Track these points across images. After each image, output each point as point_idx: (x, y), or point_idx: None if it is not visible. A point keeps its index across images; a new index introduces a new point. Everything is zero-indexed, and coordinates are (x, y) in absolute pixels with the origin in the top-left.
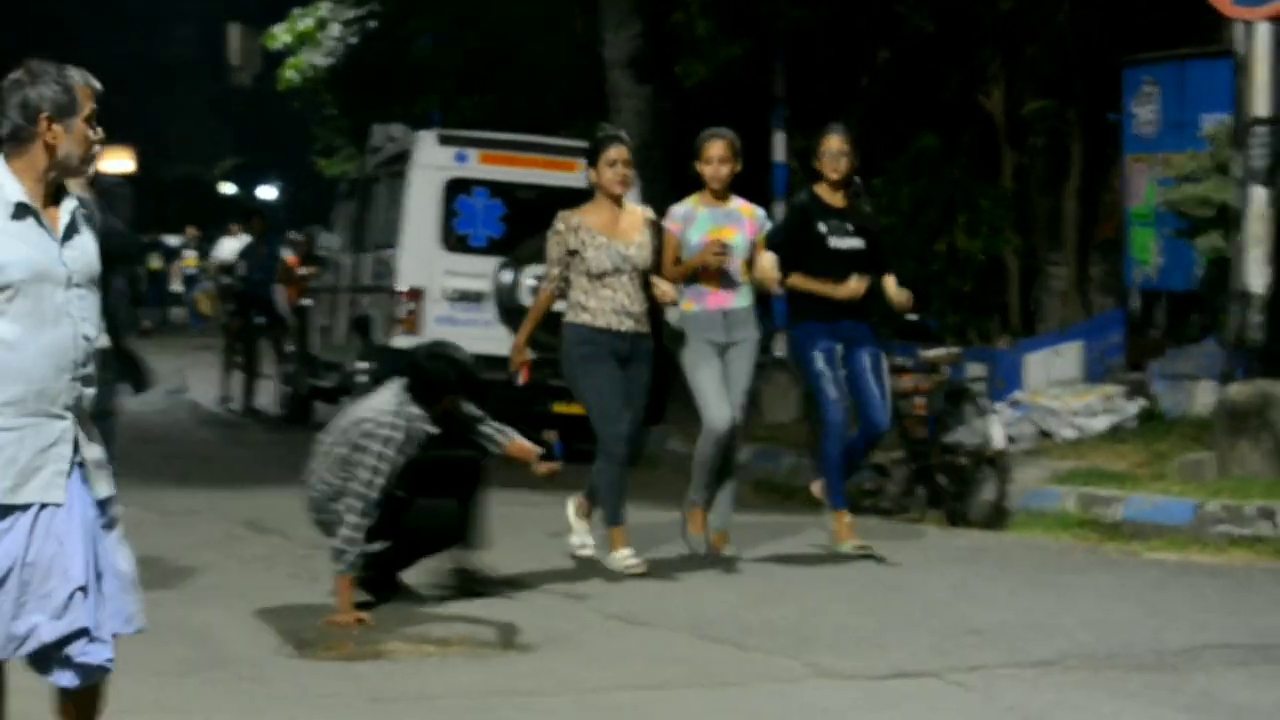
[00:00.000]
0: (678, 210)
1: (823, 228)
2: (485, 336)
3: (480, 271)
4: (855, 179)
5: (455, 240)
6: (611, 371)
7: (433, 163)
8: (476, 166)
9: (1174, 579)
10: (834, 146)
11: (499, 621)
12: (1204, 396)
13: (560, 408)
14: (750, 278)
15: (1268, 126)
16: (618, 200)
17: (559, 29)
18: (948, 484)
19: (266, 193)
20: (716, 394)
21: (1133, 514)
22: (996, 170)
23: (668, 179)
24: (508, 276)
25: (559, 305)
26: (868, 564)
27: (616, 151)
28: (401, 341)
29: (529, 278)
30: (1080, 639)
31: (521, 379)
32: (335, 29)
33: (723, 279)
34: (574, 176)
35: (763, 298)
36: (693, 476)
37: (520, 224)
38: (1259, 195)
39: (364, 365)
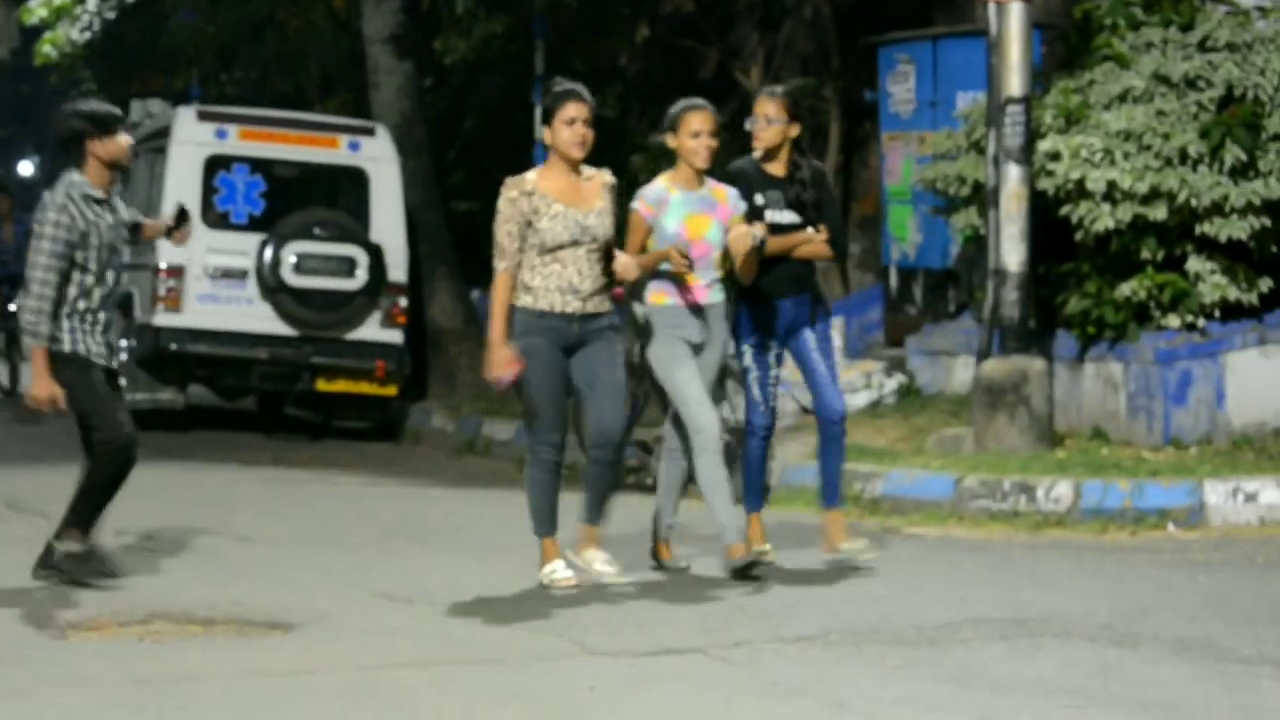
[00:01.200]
0: (649, 192)
1: (760, 199)
2: (248, 314)
3: (242, 249)
4: (798, 146)
5: (216, 217)
6: (550, 363)
7: (192, 139)
8: (236, 143)
9: (934, 554)
10: (761, 111)
11: (265, 600)
12: (961, 372)
13: (324, 386)
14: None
15: (1020, 105)
16: (575, 165)
17: (318, 4)
18: None
19: (25, 168)
20: (701, 397)
21: (892, 490)
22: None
23: (430, 155)
24: (270, 254)
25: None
26: (630, 541)
27: (575, 108)
28: (161, 318)
29: (291, 254)
30: (842, 614)
31: (509, 380)
32: (92, 3)
33: (701, 270)
34: (335, 153)
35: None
36: (663, 499)
37: (281, 200)
38: (1013, 173)
39: (126, 343)
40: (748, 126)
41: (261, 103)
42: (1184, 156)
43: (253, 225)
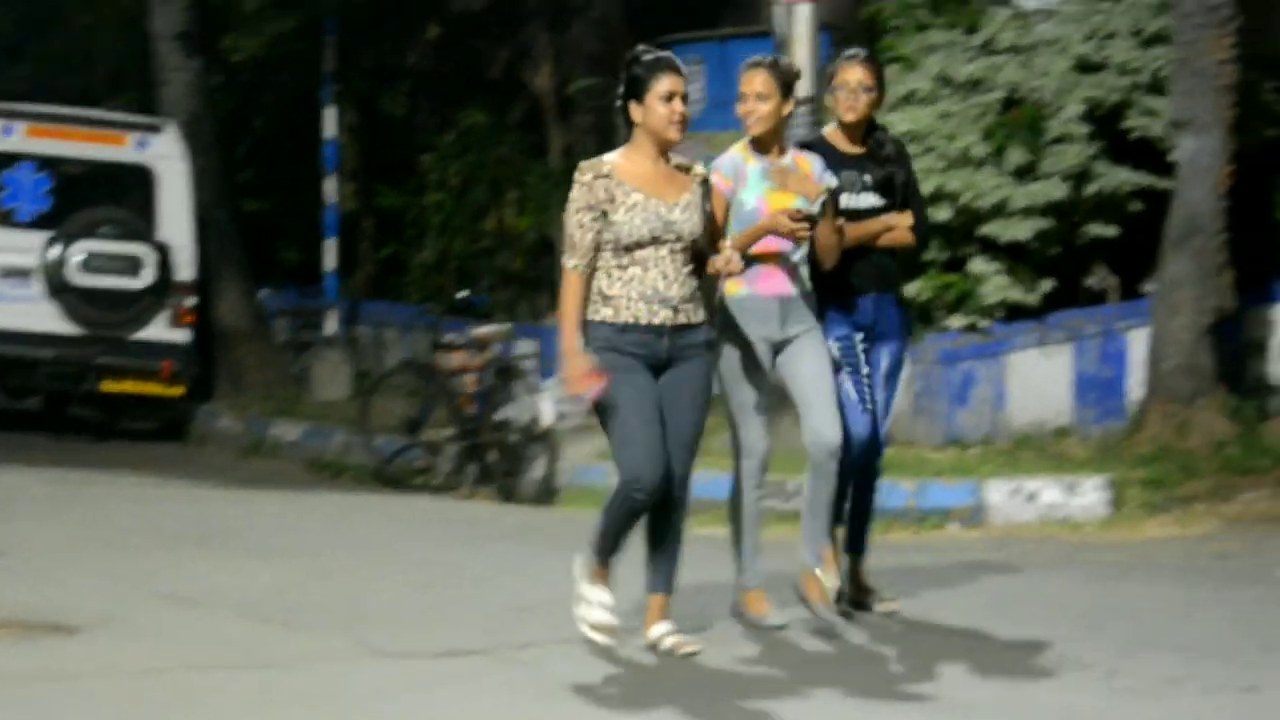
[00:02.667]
0: (723, 163)
1: (835, 180)
2: (33, 313)
3: (28, 247)
4: (877, 121)
5: (1, 215)
6: (641, 385)
7: None
8: (22, 140)
9: (721, 552)
10: (853, 78)
11: (48, 603)
12: None
13: (110, 386)
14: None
15: (808, 105)
16: (665, 150)
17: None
18: (498, 461)
19: None
20: (833, 402)
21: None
22: (544, 147)
23: (218, 154)
24: (56, 252)
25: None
26: (418, 541)
27: (673, 81)
28: None
29: (78, 253)
30: (627, 613)
31: (591, 396)
32: None
33: (780, 256)
34: (123, 150)
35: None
36: (803, 521)
37: (68, 198)
38: None
39: None
40: (829, 100)
41: (48, 100)
42: (968, 158)
43: (39, 223)
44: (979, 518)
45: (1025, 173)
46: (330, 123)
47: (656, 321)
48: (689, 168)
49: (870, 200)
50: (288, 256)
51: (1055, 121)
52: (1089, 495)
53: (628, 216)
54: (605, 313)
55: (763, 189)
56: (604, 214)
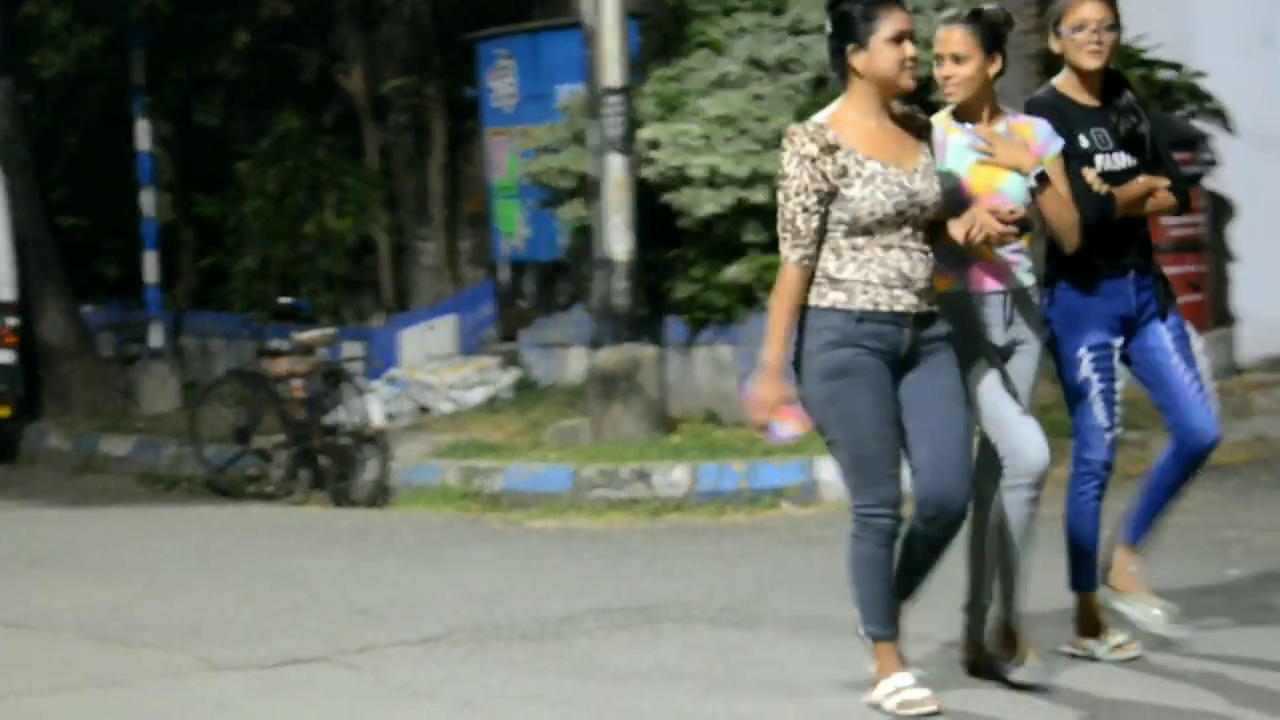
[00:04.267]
0: None
1: (1085, 142)
2: None
3: None
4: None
5: None
6: (879, 388)
7: None
8: None
9: (556, 546)
10: (1095, 15)
11: None
12: (575, 364)
13: None
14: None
15: (620, 95)
16: (889, 103)
17: None
18: (330, 465)
19: None
20: (1011, 415)
21: (512, 484)
22: (361, 149)
23: (33, 172)
24: None
25: None
26: (253, 550)
27: (900, 20)
28: None
29: None
30: (465, 612)
31: (795, 430)
32: None
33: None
34: None
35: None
36: (1002, 562)
37: None
38: (616, 163)
39: None
40: (1057, 45)
41: None
42: (782, 139)
43: None
44: (810, 496)
45: None
46: (143, 135)
47: (899, 308)
48: (914, 117)
49: (1124, 160)
50: (109, 271)
51: None
52: None
53: (867, 191)
54: (836, 298)
55: (966, 162)
56: (834, 193)
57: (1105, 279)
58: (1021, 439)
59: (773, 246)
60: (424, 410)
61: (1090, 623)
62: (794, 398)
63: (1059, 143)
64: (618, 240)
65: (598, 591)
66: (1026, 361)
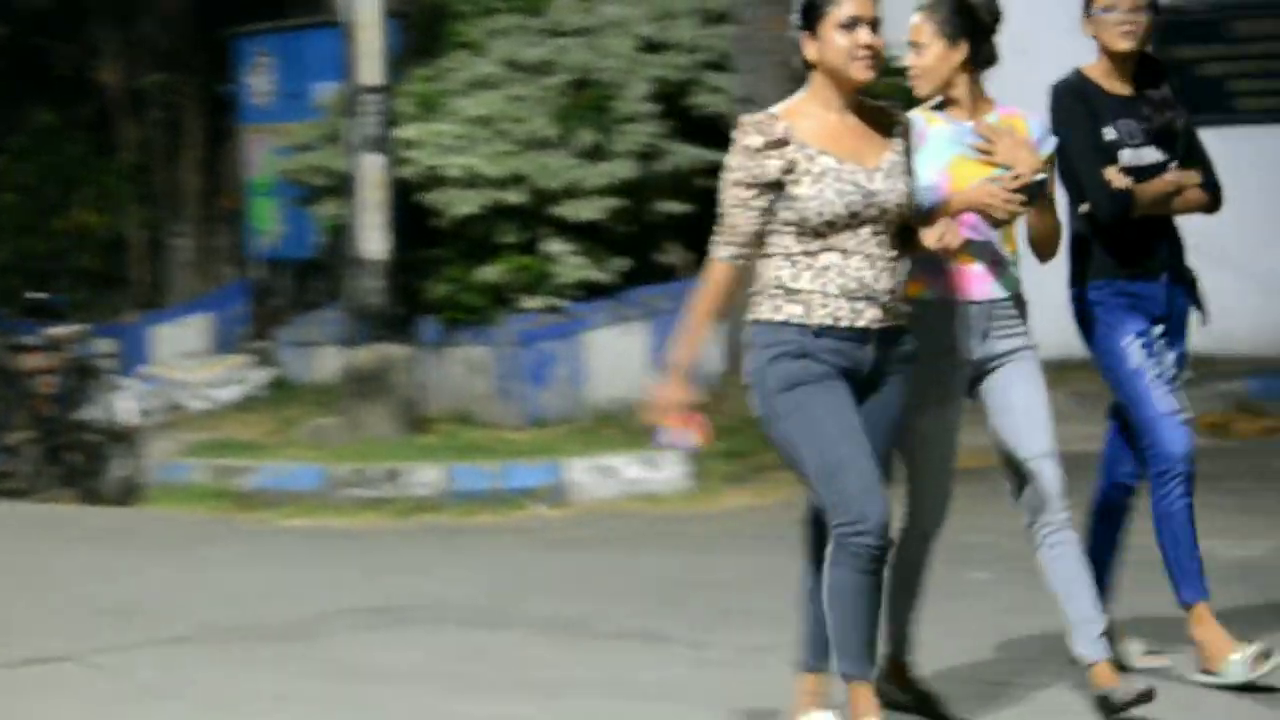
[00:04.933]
0: None
1: (1111, 133)
2: None
3: None
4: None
5: None
6: (840, 394)
7: None
8: None
9: (307, 545)
10: None
11: None
12: (330, 362)
13: None
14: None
15: (378, 93)
16: (852, 94)
17: None
18: (80, 462)
19: None
20: (1030, 423)
21: (265, 482)
22: (116, 144)
23: None
24: None
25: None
26: None
27: (856, 4)
28: None
29: None
30: (214, 612)
31: (692, 440)
32: None
33: (978, 246)
34: None
35: None
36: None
37: None
38: (372, 162)
39: None
40: (1088, 28)
41: None
42: (539, 140)
43: None
44: (562, 496)
45: (595, 153)
46: None
47: (861, 324)
48: (887, 112)
49: (1152, 155)
50: None
51: (623, 102)
52: (669, 469)
53: (815, 189)
54: (792, 311)
55: (946, 157)
56: (779, 187)
57: (1136, 281)
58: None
59: (528, 247)
60: (177, 408)
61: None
62: (698, 404)
63: (1053, 141)
64: (373, 239)
65: (348, 591)
66: (1022, 370)
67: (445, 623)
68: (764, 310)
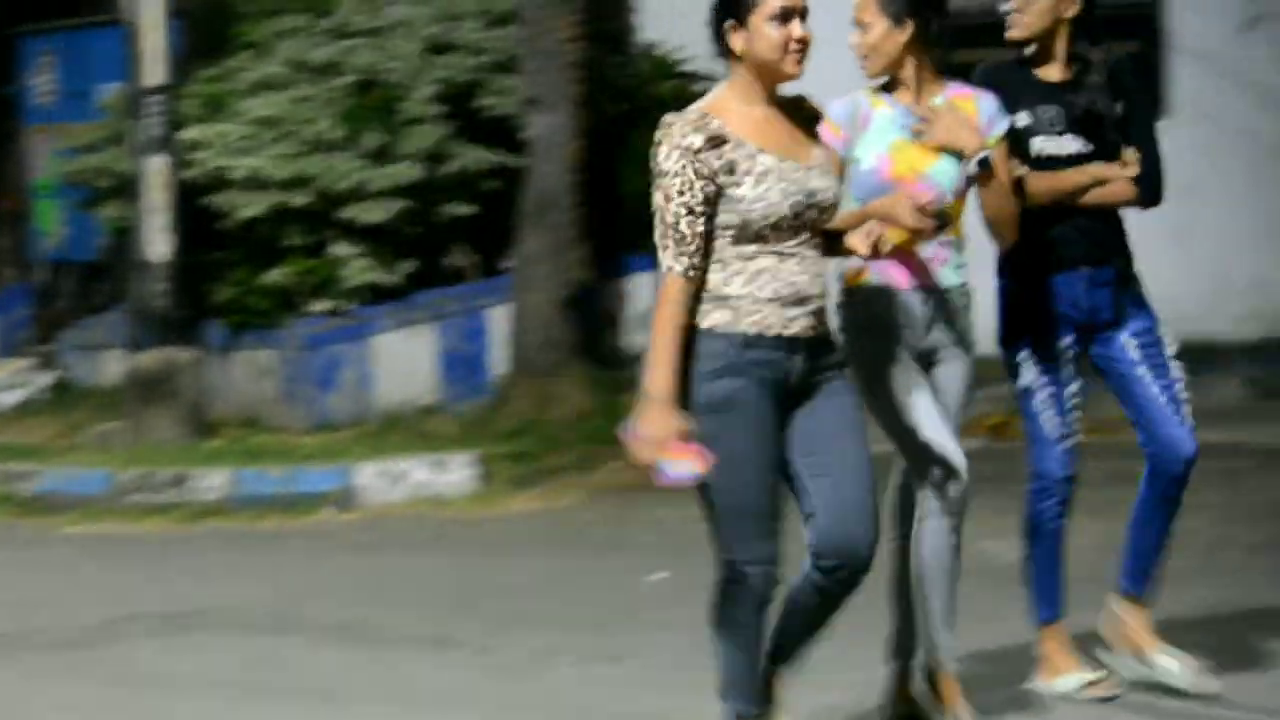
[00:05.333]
0: (839, 109)
1: (1025, 119)
2: None
3: None
4: (1085, 32)
5: None
6: (762, 425)
7: None
8: None
9: (91, 551)
10: None
11: None
12: (115, 366)
13: None
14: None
15: (161, 94)
16: (772, 89)
17: None
18: None
19: None
20: (938, 427)
21: (48, 487)
22: None
23: None
24: None
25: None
26: None
27: None
28: None
29: None
30: None
31: (692, 469)
32: None
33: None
34: None
35: None
36: (924, 603)
37: None
38: (156, 164)
39: None
40: (1002, 8)
41: None
42: (324, 142)
43: None
44: (350, 500)
45: (382, 155)
46: None
47: (790, 332)
48: (801, 104)
49: (1069, 145)
50: None
51: (409, 103)
52: (457, 472)
53: (760, 190)
54: (719, 318)
55: (888, 141)
56: (719, 191)
57: (1049, 275)
58: (942, 451)
59: (315, 250)
60: None
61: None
62: (688, 431)
63: (1005, 122)
64: (157, 242)
65: (134, 598)
66: (952, 370)
67: (233, 629)
68: (698, 318)
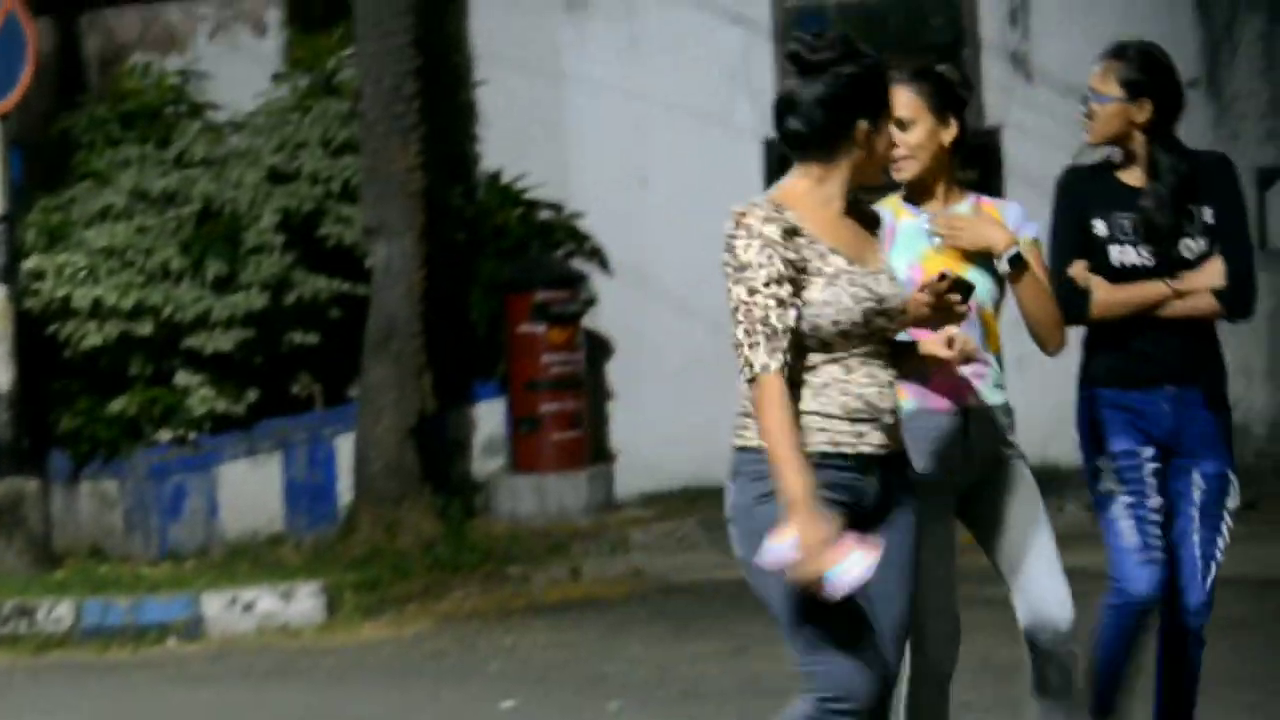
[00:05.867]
0: None
1: (1101, 227)
2: None
3: None
4: (1164, 138)
5: None
6: None
7: None
8: None
9: None
10: (1094, 83)
11: None
12: None
13: None
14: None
15: (2, 224)
16: (853, 189)
17: None
18: None
19: None
20: (1057, 561)
21: None
22: None
23: None
24: None
25: None
26: None
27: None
28: None
29: None
30: None
31: (866, 565)
32: None
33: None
34: None
35: None
36: None
37: None
38: None
39: None
40: (1077, 115)
41: None
42: (167, 272)
43: None
44: (197, 631)
45: (225, 284)
46: None
47: (866, 449)
48: (861, 204)
49: (1145, 254)
50: None
51: (252, 232)
52: (305, 601)
53: (830, 293)
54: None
55: (917, 252)
56: (795, 285)
57: (1130, 392)
58: (1035, 588)
59: (160, 378)
60: None
61: None
62: (843, 530)
63: (1032, 228)
64: (1, 371)
65: None
66: (1015, 481)
67: None
68: (750, 434)
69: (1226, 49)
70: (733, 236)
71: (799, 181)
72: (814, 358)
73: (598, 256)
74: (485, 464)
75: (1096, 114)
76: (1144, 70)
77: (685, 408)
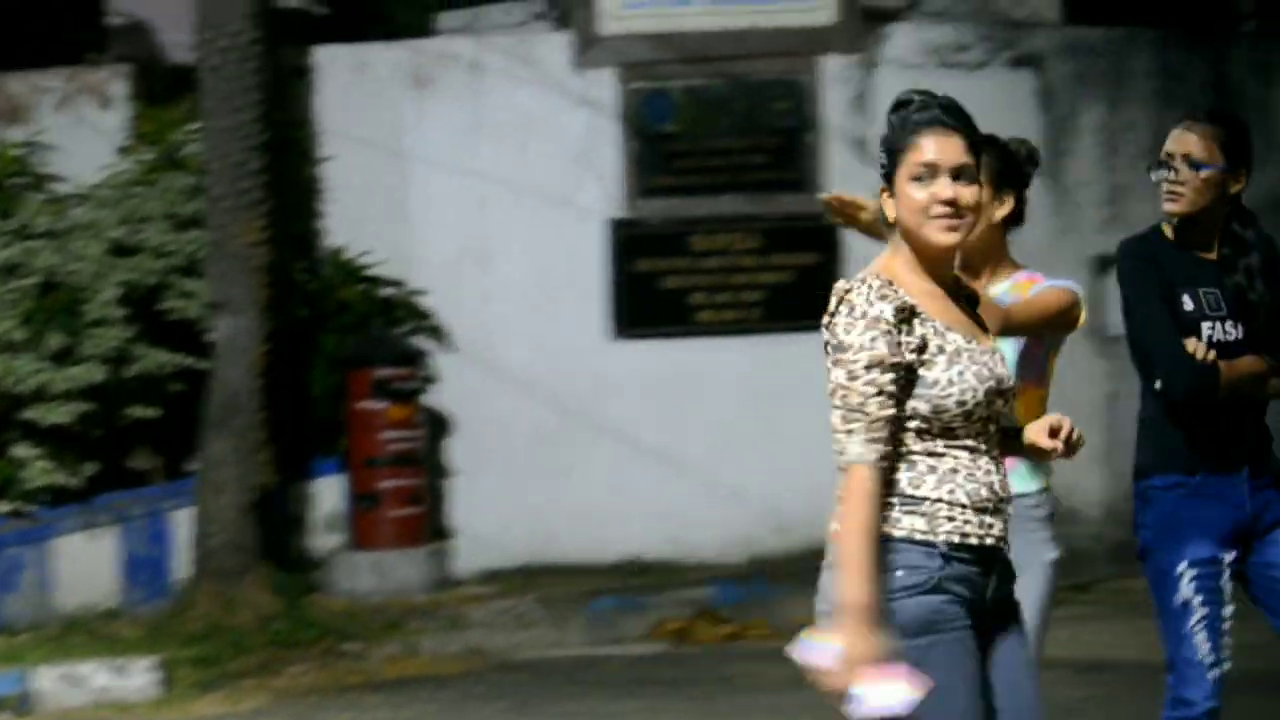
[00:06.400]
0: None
1: (1189, 302)
2: None
3: None
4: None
5: None
6: (969, 652)
7: None
8: None
9: None
10: (1176, 149)
11: None
12: None
13: None
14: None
15: None
16: (930, 263)
17: None
18: None
19: None
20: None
21: None
22: None
23: None
24: None
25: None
26: None
27: (938, 146)
28: None
29: None
30: None
31: (906, 696)
32: None
33: None
34: None
35: None
36: None
37: None
38: None
39: None
40: (1154, 177)
41: None
42: (7, 343)
43: None
44: (29, 706)
45: (65, 356)
46: None
47: (990, 542)
48: (959, 280)
49: (1234, 330)
50: None
51: (93, 305)
52: (140, 676)
53: (953, 372)
54: (913, 525)
55: None
56: (910, 372)
57: (1215, 475)
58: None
59: None
60: None
61: None
62: (893, 650)
63: (1064, 284)
64: None
65: None
66: (1030, 585)
67: None
68: (883, 522)
69: (1066, 138)
70: (833, 314)
71: (891, 256)
72: (938, 443)
73: (439, 334)
74: (325, 540)
75: (1191, 182)
76: (1244, 139)
77: (525, 486)
